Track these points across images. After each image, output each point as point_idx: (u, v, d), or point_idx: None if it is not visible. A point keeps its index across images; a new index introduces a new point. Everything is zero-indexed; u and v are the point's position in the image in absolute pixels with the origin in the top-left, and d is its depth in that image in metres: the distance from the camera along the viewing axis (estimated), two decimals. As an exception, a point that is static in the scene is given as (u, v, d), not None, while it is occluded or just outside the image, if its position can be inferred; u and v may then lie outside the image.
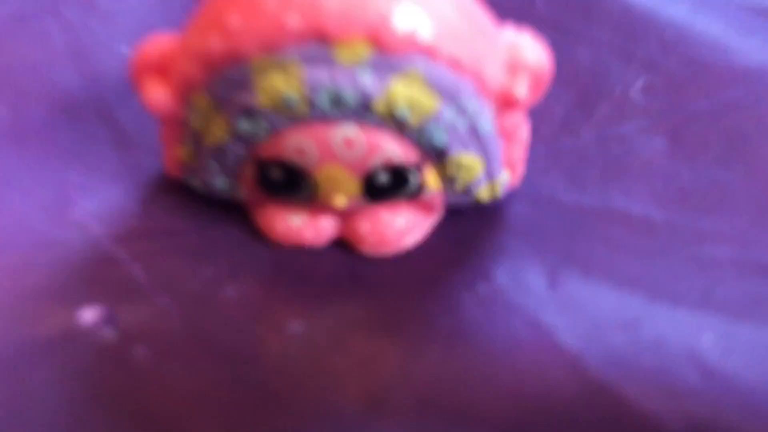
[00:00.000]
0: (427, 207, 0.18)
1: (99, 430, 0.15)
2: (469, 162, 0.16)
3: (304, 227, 0.17)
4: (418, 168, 0.16)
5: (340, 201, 0.17)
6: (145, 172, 0.19)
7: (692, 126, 0.20)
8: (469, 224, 0.18)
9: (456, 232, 0.18)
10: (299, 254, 0.18)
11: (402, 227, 0.17)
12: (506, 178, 0.18)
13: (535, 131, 0.19)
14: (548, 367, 0.16)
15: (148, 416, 0.15)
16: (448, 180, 0.17)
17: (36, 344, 0.15)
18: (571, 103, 0.21)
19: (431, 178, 0.17)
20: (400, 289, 0.17)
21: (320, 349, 0.16)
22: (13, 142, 0.18)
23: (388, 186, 0.16)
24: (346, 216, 0.17)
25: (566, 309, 0.17)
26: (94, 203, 0.18)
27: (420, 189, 0.17)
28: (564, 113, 0.21)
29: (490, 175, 0.17)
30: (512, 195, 0.18)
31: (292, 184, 0.16)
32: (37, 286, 0.16)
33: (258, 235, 0.18)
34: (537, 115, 0.18)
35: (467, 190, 0.17)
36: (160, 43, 0.16)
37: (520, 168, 0.18)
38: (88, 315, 0.16)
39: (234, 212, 0.18)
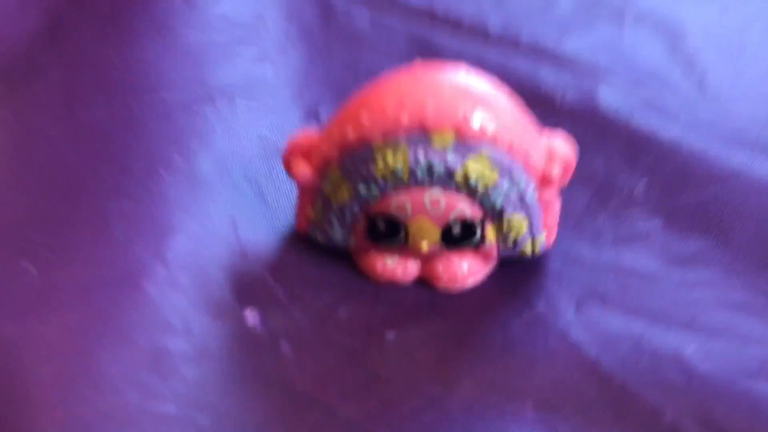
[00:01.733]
0: (486, 256, 0.24)
1: (257, 397, 0.21)
2: (518, 221, 0.23)
3: (396, 267, 0.24)
4: (482, 223, 0.23)
5: (425, 246, 0.23)
6: (280, 221, 0.26)
7: (681, 212, 0.27)
8: (517, 271, 0.25)
9: (507, 276, 0.25)
10: (392, 288, 0.24)
11: (467, 270, 0.24)
12: (544, 239, 0.24)
13: (565, 214, 0.26)
14: (573, 370, 0.22)
15: (289, 389, 0.22)
16: (502, 235, 0.24)
17: (217, 335, 0.22)
18: (590, 196, 0.28)
19: (490, 233, 0.23)
20: (464, 314, 0.24)
21: (408, 350, 0.23)
22: (188, 188, 0.25)
23: (460, 235, 0.23)
24: (426, 260, 0.24)
25: (588, 329, 0.23)
26: (249, 238, 0.25)
27: (482, 240, 0.23)
28: (585, 203, 0.28)
29: (532, 233, 0.24)
30: (548, 252, 0.25)
31: (392, 232, 0.23)
32: (218, 292, 0.23)
33: (361, 274, 0.25)
34: (566, 204, 0.25)
35: (515, 244, 0.24)
36: (306, 135, 0.24)
37: (554, 233, 0.25)
38: (249, 315, 0.23)
39: (344, 258, 0.25)
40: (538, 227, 0.24)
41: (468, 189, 0.22)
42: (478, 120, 0.22)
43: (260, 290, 0.24)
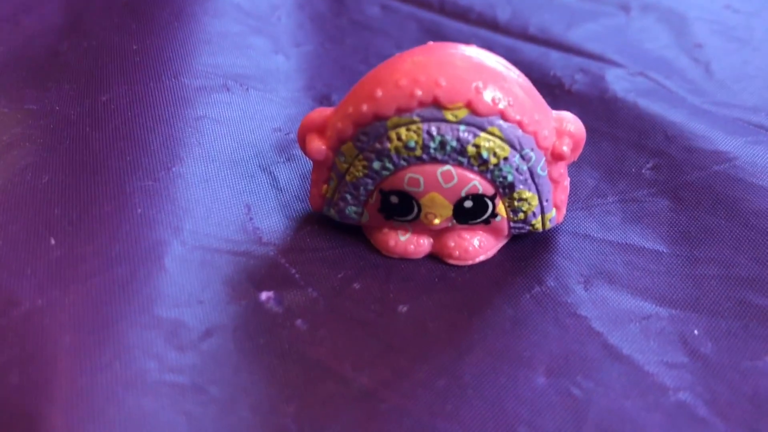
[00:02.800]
0: (497, 232, 0.25)
1: (274, 369, 0.22)
2: (528, 196, 0.24)
3: (408, 243, 0.25)
4: (493, 198, 0.24)
5: (437, 221, 0.24)
6: (293, 207, 0.26)
7: (688, 190, 0.27)
8: (528, 246, 0.25)
9: (518, 252, 0.25)
10: (405, 262, 0.25)
11: (479, 246, 0.25)
12: (554, 215, 0.25)
13: (574, 194, 0.26)
14: (583, 342, 0.23)
15: (303, 361, 0.22)
16: (513, 210, 0.24)
17: (233, 312, 0.23)
18: (600, 178, 0.29)
19: (501, 208, 0.24)
20: (475, 288, 0.24)
21: (420, 322, 0.23)
22: (205, 171, 0.26)
23: (472, 211, 0.24)
24: (438, 236, 0.25)
25: (596, 306, 0.23)
26: (263, 224, 0.25)
27: (493, 215, 0.24)
28: (594, 184, 0.28)
29: (543, 209, 0.24)
30: (557, 229, 0.25)
31: (405, 207, 0.24)
32: (234, 276, 0.23)
33: (374, 250, 0.25)
34: (575, 185, 0.26)
35: (526, 220, 0.24)
36: (321, 112, 0.24)
37: (563, 209, 0.25)
38: (264, 296, 0.23)
39: (357, 234, 0.25)
40: (548, 203, 0.24)
41: (480, 163, 0.23)
42: (490, 95, 0.22)
43: (275, 273, 0.24)
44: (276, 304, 0.23)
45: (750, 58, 0.34)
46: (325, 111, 0.24)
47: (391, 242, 0.25)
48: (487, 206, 0.24)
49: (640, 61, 0.33)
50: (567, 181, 0.25)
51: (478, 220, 0.24)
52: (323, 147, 0.24)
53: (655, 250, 0.25)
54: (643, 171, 0.28)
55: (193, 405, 0.20)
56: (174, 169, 0.25)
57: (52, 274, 0.22)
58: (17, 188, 0.25)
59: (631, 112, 0.31)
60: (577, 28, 0.35)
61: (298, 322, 0.23)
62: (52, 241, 0.23)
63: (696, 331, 0.23)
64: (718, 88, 0.32)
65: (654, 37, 0.35)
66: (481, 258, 0.25)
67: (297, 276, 0.24)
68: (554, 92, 0.31)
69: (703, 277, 0.24)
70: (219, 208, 0.25)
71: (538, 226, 0.25)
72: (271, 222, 0.26)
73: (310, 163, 0.26)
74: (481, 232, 0.25)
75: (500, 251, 0.25)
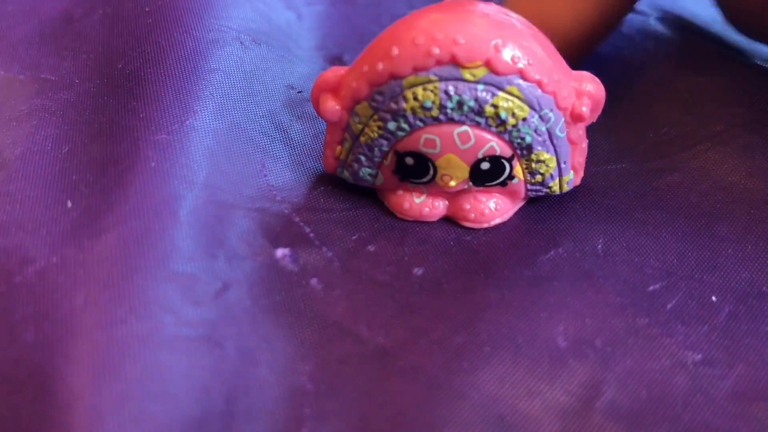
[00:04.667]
0: (513, 195, 0.24)
1: (288, 327, 0.22)
2: (546, 158, 0.23)
3: (423, 205, 0.24)
4: (511, 160, 0.23)
5: (454, 183, 0.24)
6: (306, 166, 0.26)
7: (700, 160, 0.27)
8: (544, 209, 0.25)
9: (534, 214, 0.25)
10: (419, 225, 0.25)
11: (495, 208, 0.24)
12: (572, 177, 0.24)
13: (591, 160, 0.26)
14: (601, 307, 0.22)
15: (318, 320, 0.22)
16: (530, 172, 0.24)
17: (248, 269, 0.22)
18: (614, 144, 0.28)
19: (518, 170, 0.24)
20: (492, 250, 0.24)
21: (436, 283, 0.23)
22: (220, 126, 0.26)
23: (489, 172, 0.23)
24: (454, 198, 0.24)
25: (612, 268, 0.23)
26: (277, 182, 0.25)
27: (510, 177, 0.24)
28: (609, 149, 0.28)
29: (560, 171, 0.24)
30: (575, 192, 0.25)
31: (421, 169, 0.24)
32: (250, 232, 0.23)
33: (388, 212, 0.25)
34: (592, 149, 0.25)
35: (543, 182, 0.24)
36: (335, 71, 0.24)
37: (581, 172, 0.25)
38: (280, 253, 0.23)
39: (372, 196, 0.25)
40: (566, 165, 0.24)
41: (498, 124, 0.23)
42: (509, 53, 0.22)
43: (290, 231, 0.24)
44: (291, 261, 0.23)
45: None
46: (340, 70, 0.24)
47: (406, 204, 0.25)
48: (504, 168, 0.23)
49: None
50: (585, 143, 0.24)
51: (495, 183, 0.24)
52: (337, 107, 0.24)
53: (669, 220, 0.25)
54: (659, 138, 0.28)
55: (209, 360, 0.20)
56: (188, 122, 0.25)
57: (67, 232, 0.22)
58: (36, 156, 0.25)
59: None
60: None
61: (314, 281, 0.23)
62: (69, 204, 0.23)
63: (714, 297, 0.23)
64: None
65: None
66: (497, 221, 0.25)
67: (312, 236, 0.24)
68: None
69: (718, 249, 0.24)
70: (233, 163, 0.25)
71: (556, 188, 0.24)
72: (285, 179, 0.25)
73: (323, 123, 0.26)
74: (497, 194, 0.24)
75: (516, 214, 0.25)
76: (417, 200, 0.25)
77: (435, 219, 0.25)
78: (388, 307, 0.22)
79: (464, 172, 0.24)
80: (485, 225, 0.25)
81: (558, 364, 0.21)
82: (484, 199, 0.24)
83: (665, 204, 0.25)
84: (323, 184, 0.26)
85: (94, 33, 0.29)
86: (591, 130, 0.27)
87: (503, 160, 0.23)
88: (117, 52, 0.28)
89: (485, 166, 0.23)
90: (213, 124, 0.25)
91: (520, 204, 0.25)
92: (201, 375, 0.20)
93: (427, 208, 0.25)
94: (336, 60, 0.31)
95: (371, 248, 0.24)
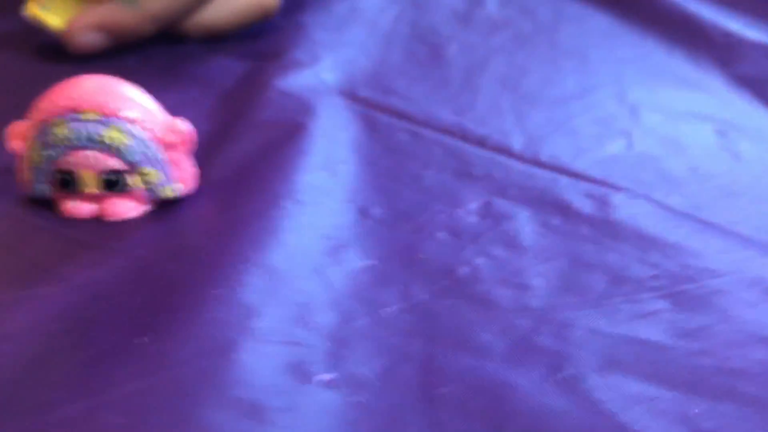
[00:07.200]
0: (139, 198, 0.37)
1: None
2: (151, 172, 0.36)
3: (78, 207, 0.37)
4: (128, 173, 0.36)
5: (91, 191, 0.36)
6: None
7: (686, 298, 0.32)
8: (547, 338, 0.30)
9: (534, 342, 0.30)
10: (79, 222, 0.37)
11: (125, 208, 0.37)
12: (180, 187, 0.37)
13: (584, 294, 0.32)
14: (598, 421, 0.27)
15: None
16: (144, 182, 0.37)
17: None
18: (607, 282, 0.33)
19: (136, 180, 0.36)
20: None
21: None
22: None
23: (114, 182, 0.36)
24: (99, 201, 0.37)
25: (609, 390, 0.28)
26: None
27: (129, 185, 0.36)
28: (603, 288, 0.33)
29: (166, 182, 0.37)
30: (576, 323, 0.31)
31: (71, 182, 0.36)
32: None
33: (55, 211, 0.37)
34: (588, 287, 0.33)
35: (155, 189, 0.37)
36: (20, 123, 0.37)
37: (190, 184, 0.38)
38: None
39: (46, 204, 0.37)
40: (169, 177, 0.37)
41: (110, 149, 0.36)
42: (114, 104, 0.36)
43: None
44: None
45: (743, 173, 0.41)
46: (25, 122, 0.37)
47: (67, 207, 0.37)
48: (124, 179, 0.36)
49: (642, 183, 0.39)
50: (187, 164, 0.38)
51: (119, 189, 0.37)
52: (21, 146, 0.37)
53: (659, 343, 0.30)
54: (645, 279, 0.33)
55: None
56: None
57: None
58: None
59: (633, 230, 0.36)
60: (585, 155, 0.41)
61: None
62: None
63: (696, 410, 0.27)
64: (717, 203, 0.38)
65: (655, 158, 0.41)
66: (132, 215, 0.37)
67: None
68: (564, 214, 0.37)
69: (700, 367, 0.29)
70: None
71: (168, 193, 0.37)
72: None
73: None
74: (127, 198, 0.37)
75: (149, 214, 0.38)
76: (74, 204, 0.37)
77: (89, 216, 0.37)
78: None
79: (98, 183, 0.36)
80: (121, 218, 0.37)
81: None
82: (119, 202, 0.37)
83: (652, 330, 0.31)
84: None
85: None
86: (584, 272, 0.33)
87: (121, 173, 0.36)
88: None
89: (112, 177, 0.36)
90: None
91: (150, 206, 0.38)
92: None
93: (80, 209, 0.37)
94: (364, 212, 0.37)
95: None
